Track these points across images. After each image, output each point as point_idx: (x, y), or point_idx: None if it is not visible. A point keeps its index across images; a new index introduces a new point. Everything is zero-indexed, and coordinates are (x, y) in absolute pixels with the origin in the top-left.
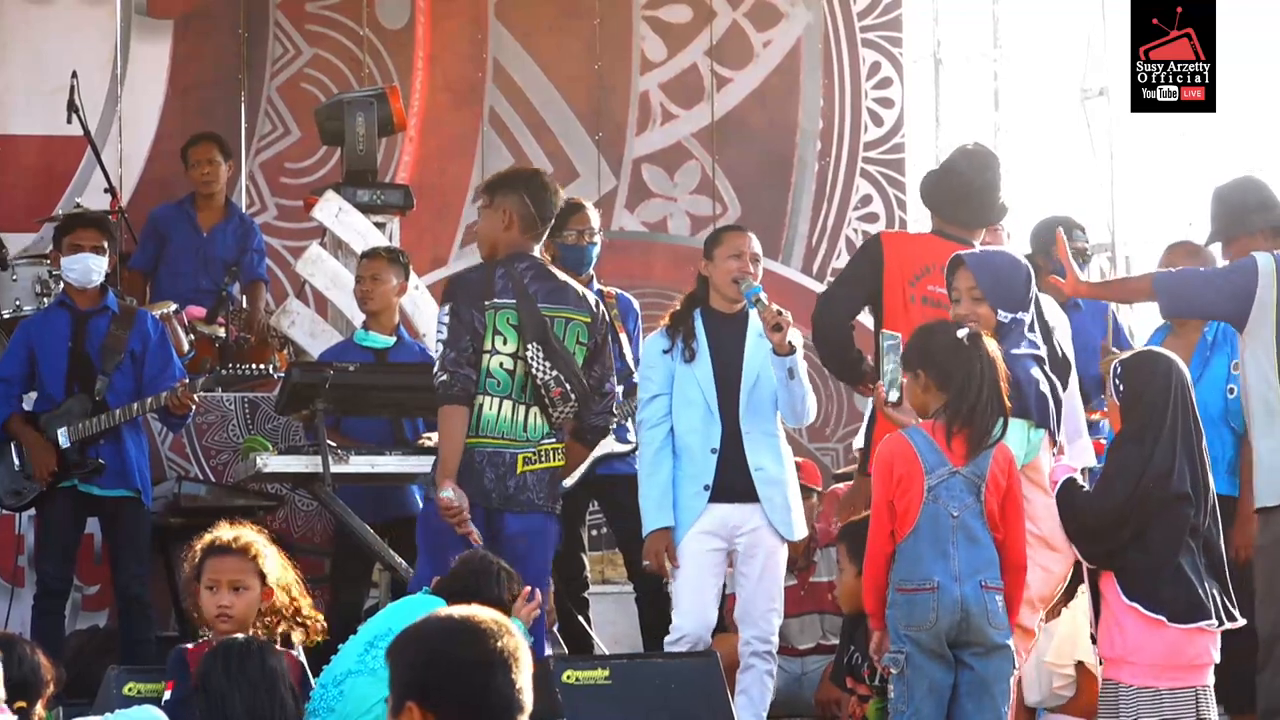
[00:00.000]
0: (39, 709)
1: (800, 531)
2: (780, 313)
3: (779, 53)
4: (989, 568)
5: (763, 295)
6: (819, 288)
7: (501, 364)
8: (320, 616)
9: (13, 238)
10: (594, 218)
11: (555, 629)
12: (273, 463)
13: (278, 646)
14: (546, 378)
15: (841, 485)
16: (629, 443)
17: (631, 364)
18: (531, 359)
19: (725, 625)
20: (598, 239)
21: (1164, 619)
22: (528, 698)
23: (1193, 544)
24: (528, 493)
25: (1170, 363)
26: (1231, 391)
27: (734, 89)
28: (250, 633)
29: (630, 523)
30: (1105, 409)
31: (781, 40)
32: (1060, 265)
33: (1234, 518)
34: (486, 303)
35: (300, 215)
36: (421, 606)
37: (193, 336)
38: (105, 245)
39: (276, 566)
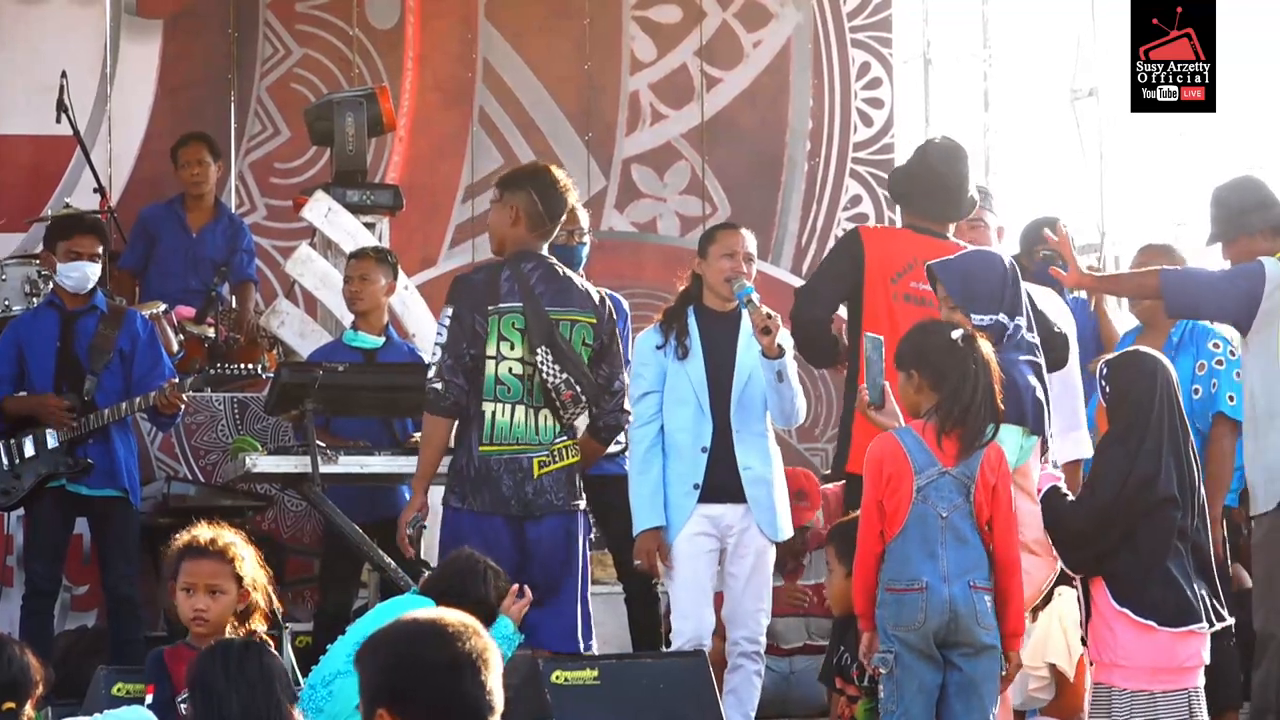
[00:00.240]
0: (28, 709)
1: (786, 532)
2: (770, 316)
3: (769, 53)
4: (977, 568)
5: (755, 296)
6: None
7: (510, 369)
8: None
9: (1, 238)
10: (584, 218)
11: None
12: (262, 463)
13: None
14: (557, 381)
15: (830, 486)
16: (618, 443)
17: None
18: (541, 363)
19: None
20: (587, 239)
21: (1154, 623)
22: (498, 698)
23: (1181, 546)
24: (545, 495)
25: (1157, 363)
26: (1197, 392)
27: (724, 89)
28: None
29: (620, 523)
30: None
31: (771, 40)
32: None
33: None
34: (490, 307)
35: (290, 215)
36: (410, 606)
37: (182, 336)
38: (101, 251)
39: (252, 567)
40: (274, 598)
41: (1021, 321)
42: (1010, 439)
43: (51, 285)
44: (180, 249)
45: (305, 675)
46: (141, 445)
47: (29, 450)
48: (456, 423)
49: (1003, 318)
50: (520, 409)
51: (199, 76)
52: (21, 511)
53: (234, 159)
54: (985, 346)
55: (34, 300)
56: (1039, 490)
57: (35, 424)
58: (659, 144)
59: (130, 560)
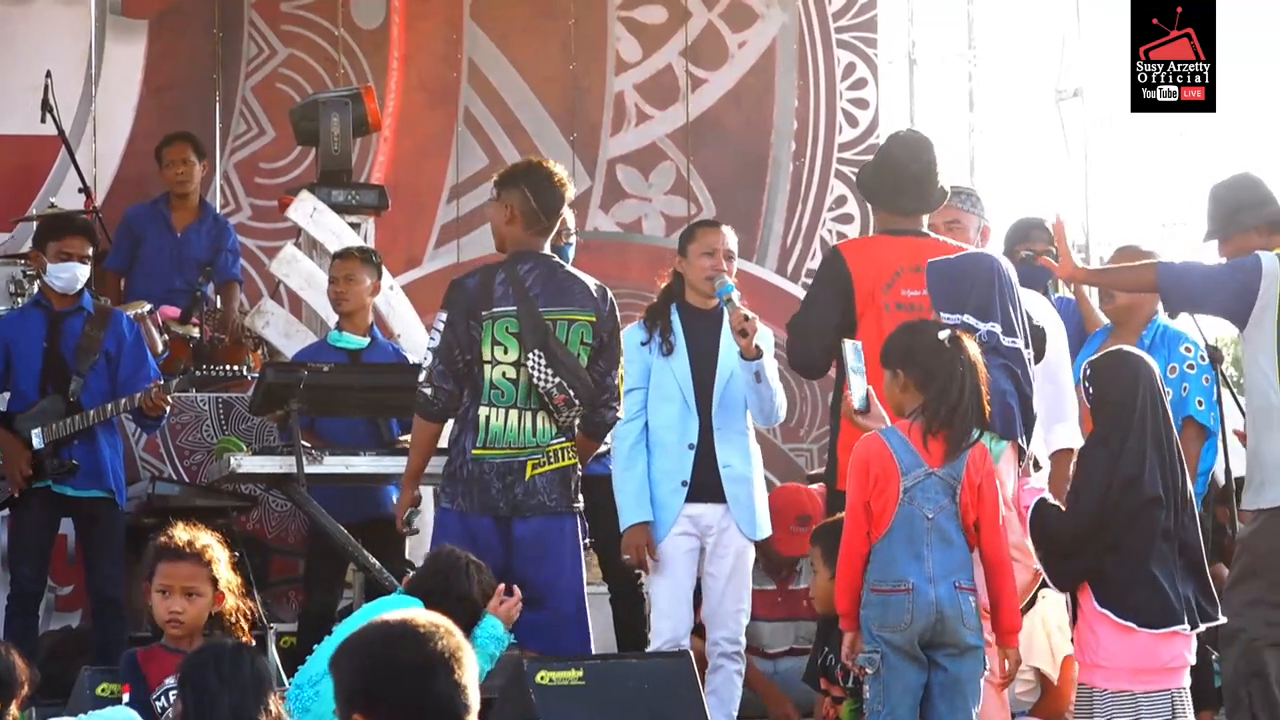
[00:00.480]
0: (13, 710)
1: (765, 531)
2: (748, 318)
3: (754, 53)
4: (962, 569)
5: (735, 296)
6: (793, 288)
7: (504, 374)
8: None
9: None
10: (570, 218)
11: None
12: (247, 463)
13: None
14: (549, 385)
15: (815, 486)
16: (604, 443)
17: None
18: (533, 367)
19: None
20: (573, 239)
21: (1134, 625)
22: (473, 697)
23: (1166, 547)
24: (537, 496)
25: (1139, 362)
26: (1167, 395)
27: (709, 90)
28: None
29: (605, 523)
30: None
31: (756, 41)
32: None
33: None
34: (484, 312)
35: (275, 215)
36: (396, 606)
37: (167, 337)
38: (90, 253)
39: (227, 570)
40: (244, 602)
41: (996, 327)
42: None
43: (38, 285)
44: (165, 249)
45: (290, 676)
46: (126, 445)
47: None
48: (453, 425)
49: (969, 319)
50: (514, 413)
51: (184, 76)
52: (6, 512)
53: (219, 159)
54: (972, 348)
55: (19, 300)
56: (1020, 504)
57: (18, 425)
58: (644, 144)
59: (115, 561)
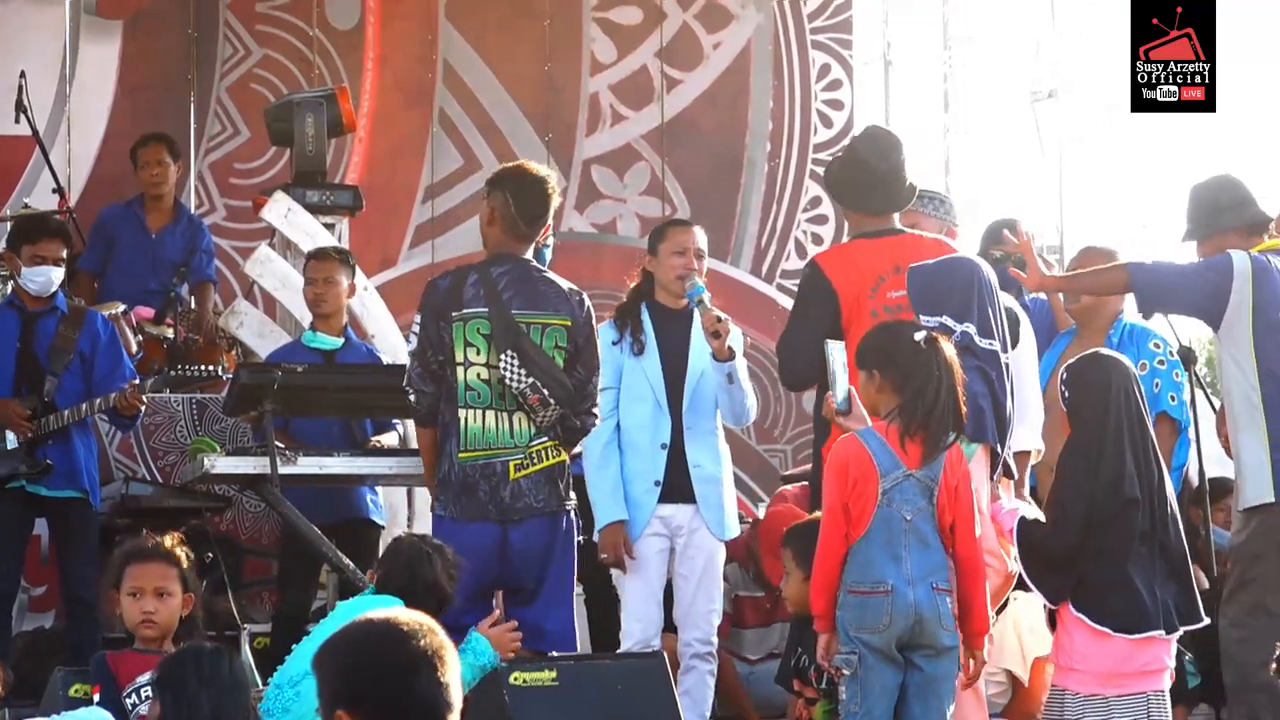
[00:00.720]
0: None
1: (733, 531)
2: (720, 319)
3: (729, 54)
4: (939, 571)
5: (706, 296)
6: (768, 289)
7: (478, 375)
8: None
9: None
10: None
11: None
12: (220, 464)
13: None
14: (522, 386)
15: (790, 487)
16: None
17: None
18: (505, 368)
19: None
20: (551, 241)
21: (1110, 630)
22: (456, 695)
23: (1144, 549)
24: (524, 499)
25: (1111, 365)
26: None
27: (684, 90)
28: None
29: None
30: None
31: (731, 42)
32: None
33: None
34: (455, 314)
35: (249, 216)
36: (375, 605)
37: (141, 337)
38: (65, 255)
39: (191, 575)
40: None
41: (972, 328)
42: None
43: (11, 286)
44: (139, 250)
45: (264, 676)
46: (100, 446)
47: None
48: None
49: (946, 320)
50: (491, 414)
51: (159, 77)
52: None
53: (193, 159)
54: (948, 349)
55: None
56: (998, 523)
57: None
58: (619, 145)
59: (89, 562)
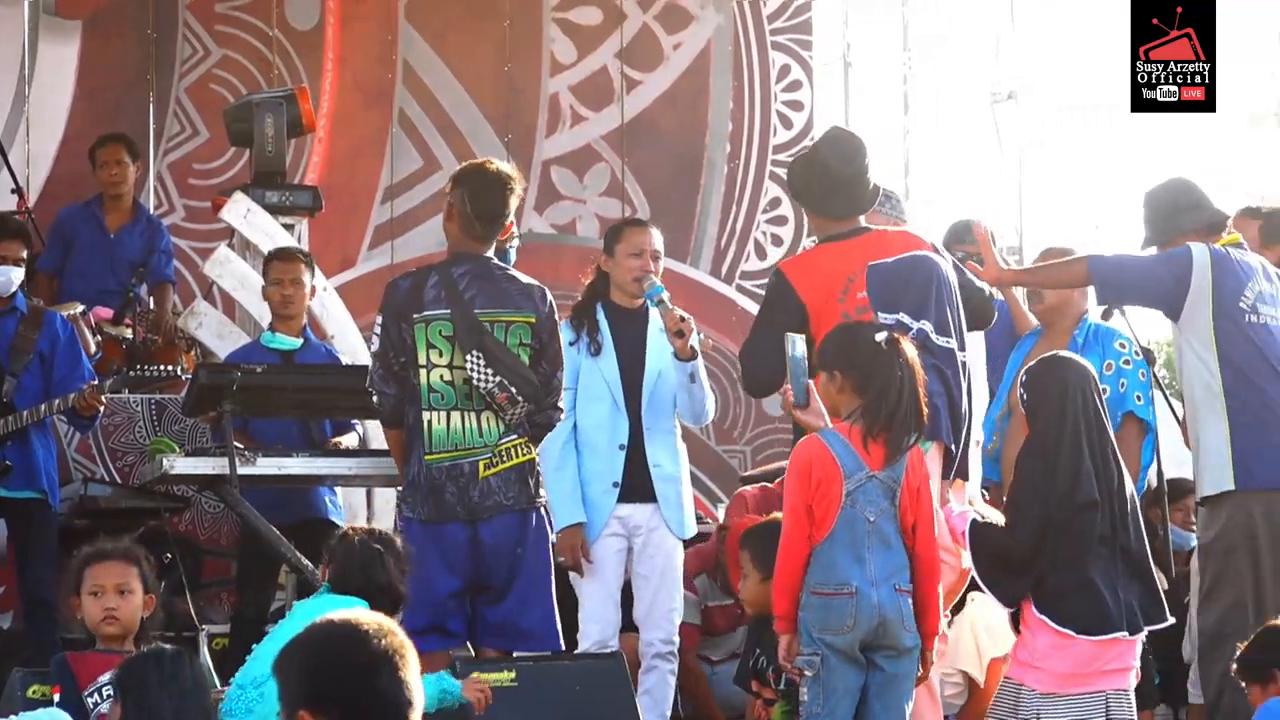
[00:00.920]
0: None
1: (692, 529)
2: (683, 318)
3: (689, 55)
4: (901, 572)
5: (665, 296)
6: (727, 290)
7: (441, 376)
8: None
9: None
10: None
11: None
12: (179, 464)
13: None
14: (490, 385)
15: (748, 488)
16: None
17: None
18: (471, 368)
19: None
20: (516, 242)
21: (1073, 632)
22: (417, 694)
23: (1105, 550)
24: (494, 496)
25: (1067, 367)
26: (1105, 392)
27: (644, 91)
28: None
29: None
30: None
31: (691, 43)
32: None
33: None
34: (416, 315)
35: (208, 216)
36: (333, 606)
37: (100, 338)
38: (25, 255)
39: (151, 575)
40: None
41: (928, 325)
42: None
43: None
44: (98, 250)
45: (223, 677)
46: (59, 446)
47: None
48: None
49: (903, 317)
50: (456, 414)
51: (118, 77)
52: None
53: (152, 160)
54: (909, 349)
55: None
56: (963, 534)
57: None
58: (579, 146)
59: (48, 562)
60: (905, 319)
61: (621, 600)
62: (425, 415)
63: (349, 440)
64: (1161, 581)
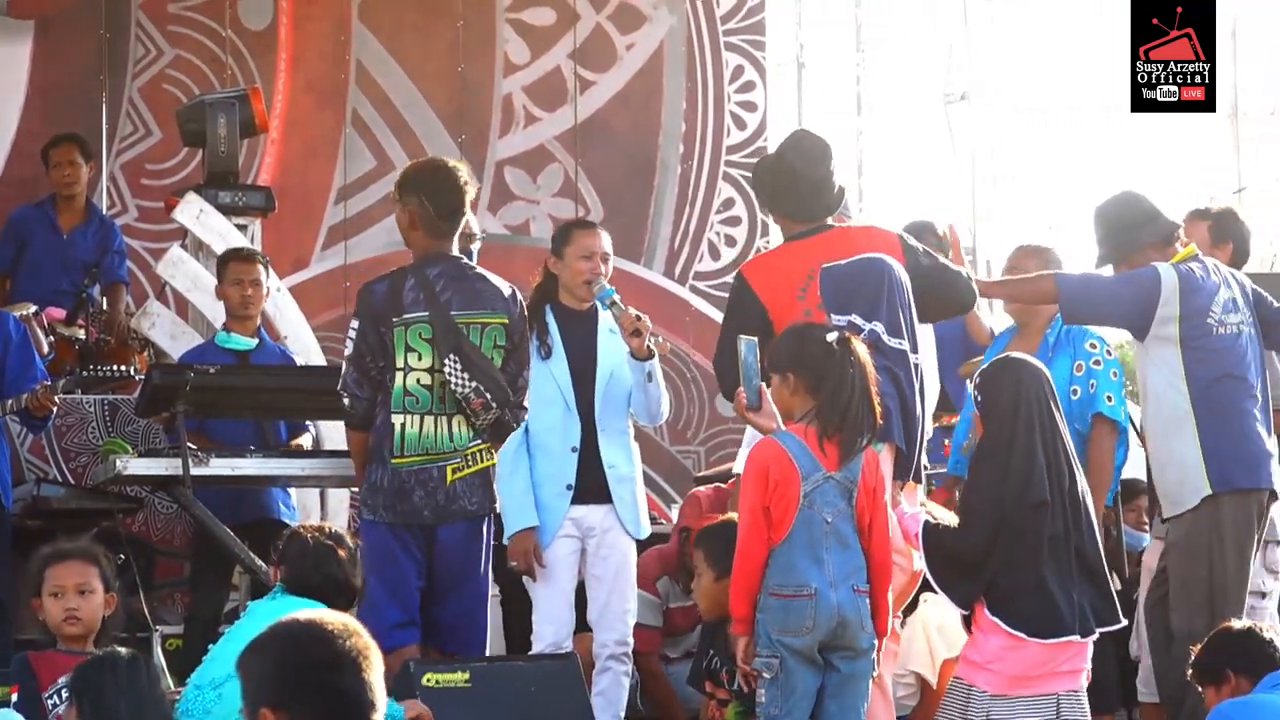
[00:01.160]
0: None
1: (647, 530)
2: (639, 318)
3: (642, 56)
4: (858, 572)
5: (617, 298)
6: (681, 290)
7: (419, 380)
8: None
9: None
10: (474, 222)
11: None
12: (132, 465)
13: None
14: (466, 390)
15: (702, 489)
16: None
17: None
18: (450, 372)
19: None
20: (478, 242)
21: (1024, 634)
22: (380, 695)
23: (1058, 552)
24: (459, 501)
25: (1020, 368)
26: (1075, 393)
27: (597, 92)
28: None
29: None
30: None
31: (645, 43)
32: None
33: None
34: (395, 319)
35: (161, 217)
36: (291, 607)
37: (52, 338)
38: None
39: (111, 574)
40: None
41: (880, 326)
42: None
43: None
44: (51, 250)
45: (176, 678)
46: (11, 447)
47: None
48: (371, 436)
49: (855, 318)
50: (429, 419)
51: (70, 77)
52: None
53: (105, 160)
54: (861, 350)
55: None
56: (916, 535)
57: None
58: (532, 146)
59: (1, 563)
60: (858, 320)
61: (575, 601)
62: (396, 419)
63: (304, 442)
64: (1115, 582)
